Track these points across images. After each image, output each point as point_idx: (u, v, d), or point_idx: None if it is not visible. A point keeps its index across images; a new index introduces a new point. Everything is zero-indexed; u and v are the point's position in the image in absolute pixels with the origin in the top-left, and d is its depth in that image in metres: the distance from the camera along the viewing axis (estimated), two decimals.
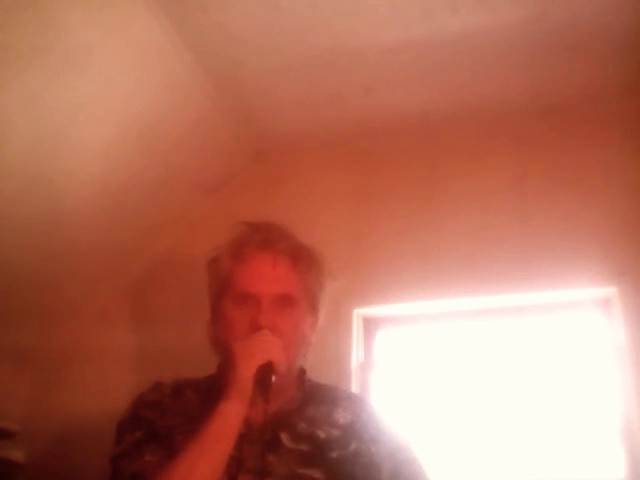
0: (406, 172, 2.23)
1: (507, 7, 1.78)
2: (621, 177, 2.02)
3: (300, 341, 1.39)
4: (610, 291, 1.94)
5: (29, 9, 1.51)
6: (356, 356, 2.06)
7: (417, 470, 1.36)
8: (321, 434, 1.34)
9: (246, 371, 1.25)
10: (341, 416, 1.38)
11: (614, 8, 1.78)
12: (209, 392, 1.34)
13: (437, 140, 2.24)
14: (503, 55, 1.94)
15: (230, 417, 1.23)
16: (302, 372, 1.45)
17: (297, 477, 1.27)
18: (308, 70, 2.00)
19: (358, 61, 1.96)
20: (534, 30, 1.84)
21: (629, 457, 1.79)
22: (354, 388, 1.98)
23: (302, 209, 2.18)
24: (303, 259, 1.42)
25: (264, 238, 1.41)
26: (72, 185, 1.92)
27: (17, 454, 2.06)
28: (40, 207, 1.87)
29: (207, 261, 1.45)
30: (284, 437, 1.31)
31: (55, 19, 1.57)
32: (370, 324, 2.15)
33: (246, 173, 2.39)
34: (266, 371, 1.25)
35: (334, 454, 1.31)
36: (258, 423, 1.29)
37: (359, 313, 2.12)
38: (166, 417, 1.32)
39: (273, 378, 1.26)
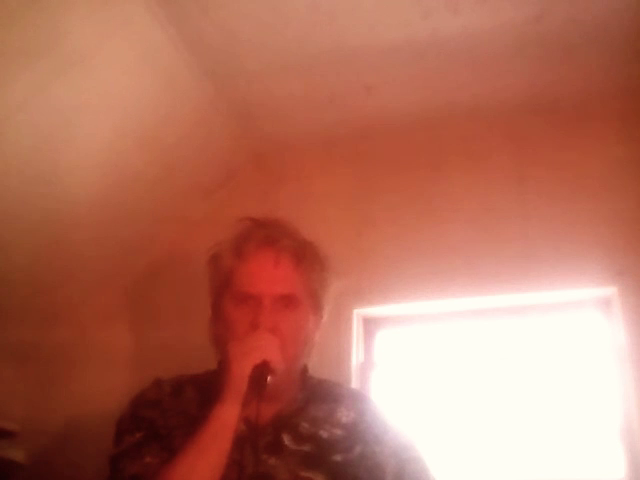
0: (406, 172, 2.23)
1: (507, 7, 1.78)
2: (621, 177, 2.02)
3: (303, 341, 1.37)
4: (610, 291, 1.94)
5: (29, 10, 1.51)
6: (356, 356, 2.06)
7: (421, 469, 1.35)
8: (324, 434, 1.33)
9: (241, 370, 1.23)
10: (344, 415, 1.37)
11: (613, 9, 1.78)
12: (208, 390, 1.33)
13: (437, 140, 2.23)
14: (503, 55, 1.94)
15: (226, 418, 1.22)
16: (305, 371, 1.43)
17: None
18: (308, 70, 2.00)
19: (358, 61, 1.96)
20: (534, 30, 1.84)
21: (629, 457, 1.79)
22: None
23: (302, 209, 2.16)
24: (307, 258, 1.39)
25: (267, 235, 1.37)
26: (72, 185, 1.92)
27: (17, 454, 2.06)
28: (40, 207, 1.87)
29: (208, 257, 1.42)
30: (286, 438, 1.30)
31: (55, 20, 1.57)
32: (370, 324, 2.15)
33: (245, 173, 2.39)
34: (261, 370, 1.24)
35: (338, 457, 1.30)
36: (260, 424, 1.26)
37: (359, 313, 2.12)
38: (166, 417, 1.31)
39: (269, 378, 1.24)
